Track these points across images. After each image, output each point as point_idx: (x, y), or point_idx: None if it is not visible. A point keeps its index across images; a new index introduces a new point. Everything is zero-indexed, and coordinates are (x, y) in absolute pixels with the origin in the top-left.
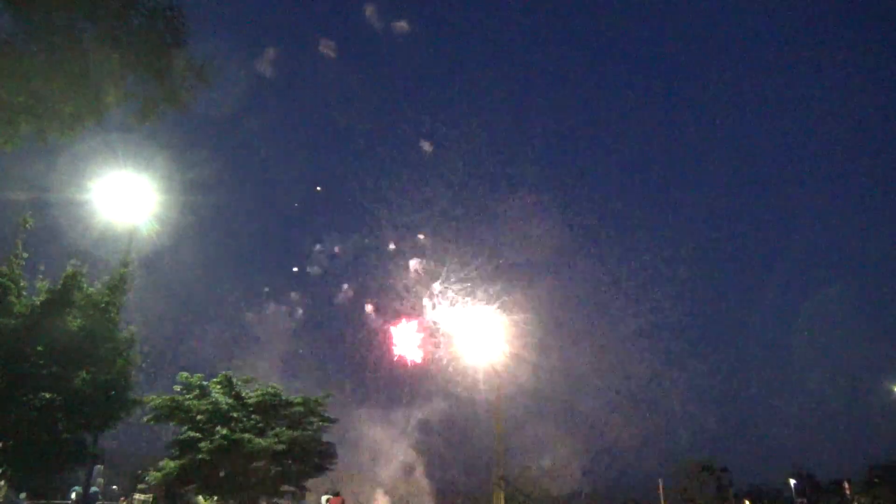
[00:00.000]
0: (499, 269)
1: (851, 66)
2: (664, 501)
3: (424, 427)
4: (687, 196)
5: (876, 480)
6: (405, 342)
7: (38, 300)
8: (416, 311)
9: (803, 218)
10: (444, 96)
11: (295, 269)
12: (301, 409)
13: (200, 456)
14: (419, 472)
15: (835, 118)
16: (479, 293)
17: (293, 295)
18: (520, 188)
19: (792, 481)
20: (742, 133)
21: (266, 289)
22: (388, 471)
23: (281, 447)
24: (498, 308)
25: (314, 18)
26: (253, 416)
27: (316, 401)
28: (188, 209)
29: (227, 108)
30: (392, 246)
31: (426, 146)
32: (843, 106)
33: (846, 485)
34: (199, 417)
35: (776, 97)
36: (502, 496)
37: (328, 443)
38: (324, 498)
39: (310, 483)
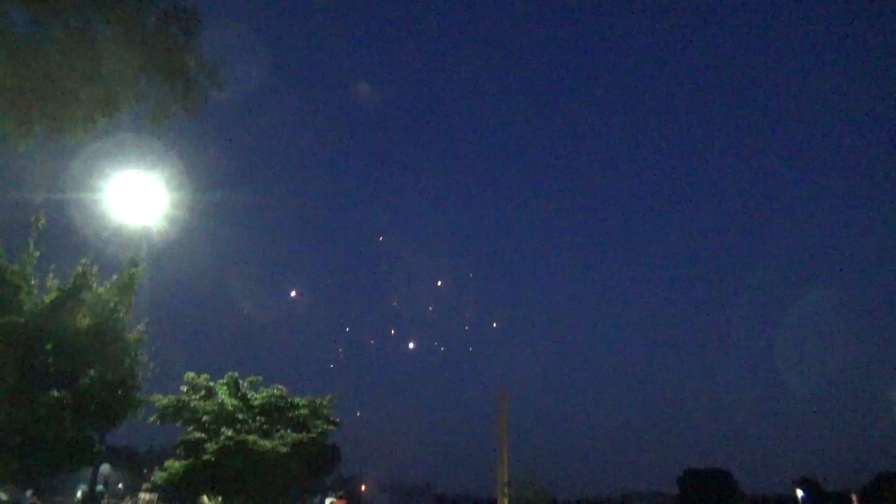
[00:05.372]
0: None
1: (841, 70)
2: None
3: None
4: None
5: (883, 491)
6: None
7: (48, 298)
8: None
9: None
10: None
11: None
12: (306, 411)
13: (206, 457)
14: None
15: (821, 118)
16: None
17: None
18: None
19: (799, 492)
20: (729, 134)
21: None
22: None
23: (285, 449)
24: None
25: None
26: (258, 418)
27: (321, 403)
28: (199, 208)
29: (237, 107)
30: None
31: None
32: (830, 107)
33: (854, 496)
34: (204, 418)
35: (762, 97)
36: (506, 502)
37: (333, 445)
38: (328, 500)
39: (315, 484)
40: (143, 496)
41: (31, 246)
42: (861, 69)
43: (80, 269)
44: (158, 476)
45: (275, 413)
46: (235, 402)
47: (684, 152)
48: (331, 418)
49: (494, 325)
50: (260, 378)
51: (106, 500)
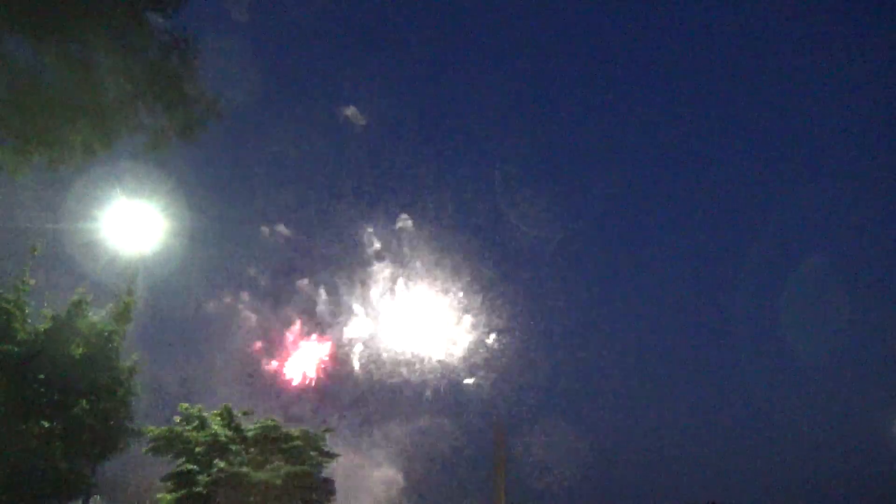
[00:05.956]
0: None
1: (837, 35)
2: None
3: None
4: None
5: None
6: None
7: (42, 327)
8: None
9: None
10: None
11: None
12: (300, 443)
13: (197, 489)
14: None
15: (815, 89)
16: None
17: None
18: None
19: None
20: (720, 104)
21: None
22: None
23: (278, 481)
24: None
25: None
26: (251, 450)
27: (315, 435)
28: (195, 236)
29: (234, 130)
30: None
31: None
32: (823, 78)
33: None
34: (197, 449)
35: (756, 68)
36: None
37: (327, 479)
38: None
39: None
40: None
41: (27, 274)
42: (856, 40)
43: (75, 297)
44: None
45: (268, 444)
46: (229, 433)
47: (675, 153)
48: (326, 450)
49: (488, 352)
50: (252, 409)
51: None
